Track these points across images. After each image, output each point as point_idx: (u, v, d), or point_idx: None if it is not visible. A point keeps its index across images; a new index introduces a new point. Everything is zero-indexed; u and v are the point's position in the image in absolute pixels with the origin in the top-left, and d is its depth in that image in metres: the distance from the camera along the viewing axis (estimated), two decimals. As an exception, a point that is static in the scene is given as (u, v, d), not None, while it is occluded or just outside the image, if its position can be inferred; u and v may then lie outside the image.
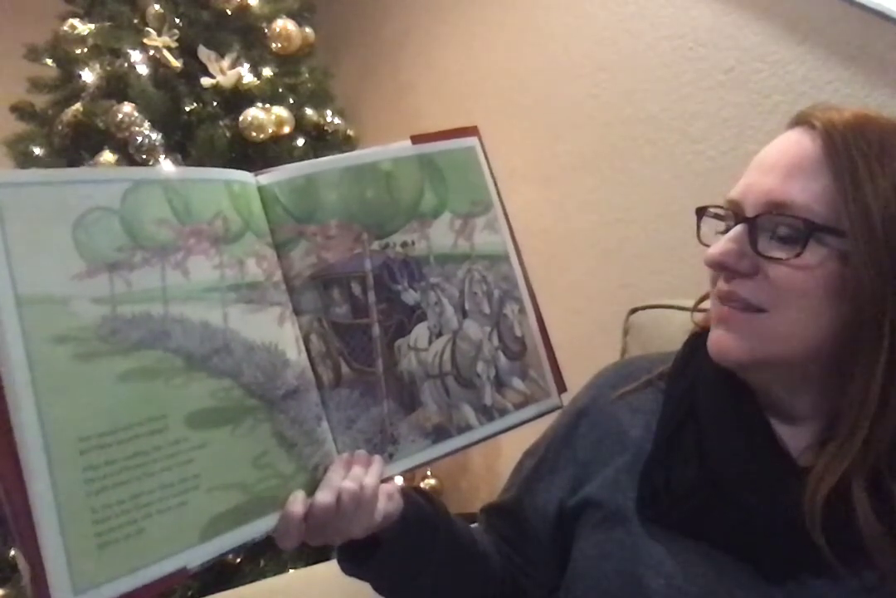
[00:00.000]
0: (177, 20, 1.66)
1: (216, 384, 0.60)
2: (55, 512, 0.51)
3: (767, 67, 1.39)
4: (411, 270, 0.72)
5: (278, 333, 0.64)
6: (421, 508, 0.71)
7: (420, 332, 0.72)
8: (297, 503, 0.61)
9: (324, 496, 0.62)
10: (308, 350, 0.66)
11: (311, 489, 0.63)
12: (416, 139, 0.74)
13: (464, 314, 0.75)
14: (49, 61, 1.75)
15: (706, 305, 0.74)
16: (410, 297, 0.72)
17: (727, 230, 0.66)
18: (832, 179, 0.61)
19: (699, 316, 0.77)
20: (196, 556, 0.57)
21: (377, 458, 0.66)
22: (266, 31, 1.75)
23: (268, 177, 0.67)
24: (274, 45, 1.73)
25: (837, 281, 0.61)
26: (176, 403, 0.58)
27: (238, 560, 1.49)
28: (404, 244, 0.73)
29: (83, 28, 1.67)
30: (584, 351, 1.41)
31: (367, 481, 0.64)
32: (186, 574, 0.57)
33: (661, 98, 1.56)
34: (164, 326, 0.59)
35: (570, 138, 1.75)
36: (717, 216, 0.69)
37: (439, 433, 0.71)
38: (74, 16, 1.74)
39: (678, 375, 0.75)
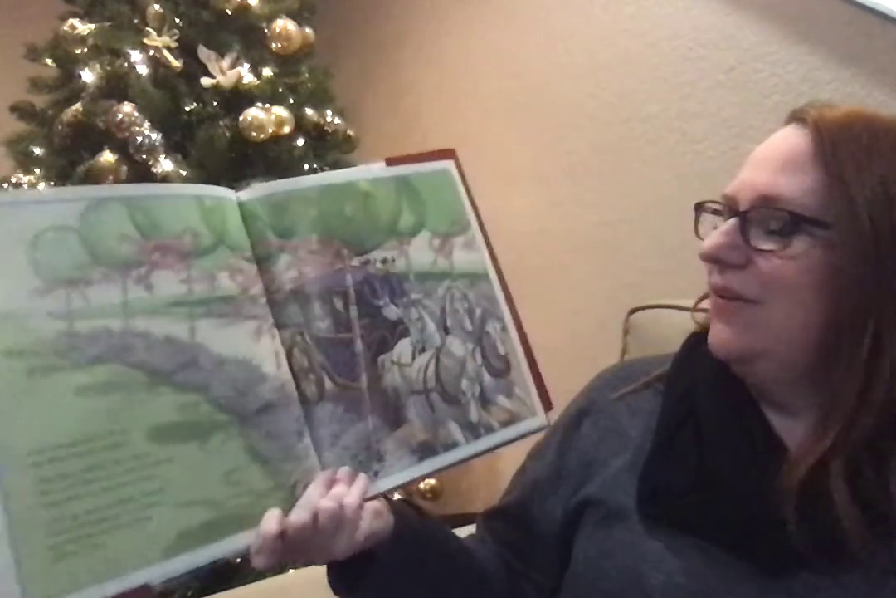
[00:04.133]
0: (177, 20, 1.68)
1: (182, 399, 0.61)
2: (6, 523, 0.52)
3: (767, 67, 1.40)
4: (392, 286, 0.73)
5: (253, 347, 0.65)
6: (413, 525, 0.73)
7: (403, 347, 0.73)
8: (272, 520, 0.61)
9: (298, 515, 0.62)
10: (291, 365, 0.67)
11: (290, 507, 0.63)
12: (391, 161, 0.78)
13: (446, 331, 0.75)
14: (49, 61, 1.76)
15: (706, 304, 0.78)
16: (392, 312, 0.73)
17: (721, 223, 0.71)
18: (821, 173, 0.65)
19: (700, 316, 0.81)
20: (160, 573, 0.58)
21: (361, 476, 0.66)
22: (266, 31, 1.77)
23: (248, 193, 0.70)
24: (274, 45, 1.75)
25: (825, 272, 0.64)
26: (137, 417, 0.59)
27: (238, 560, 1.49)
28: (384, 261, 0.74)
29: (83, 28, 1.68)
30: (584, 351, 1.41)
31: (349, 500, 0.64)
32: (150, 591, 0.58)
33: (661, 98, 1.57)
34: (125, 340, 0.60)
35: (570, 138, 1.75)
36: (714, 212, 0.74)
37: (425, 450, 0.71)
38: (74, 16, 1.76)
39: (677, 375, 0.78)
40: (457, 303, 0.76)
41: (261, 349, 0.66)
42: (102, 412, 0.58)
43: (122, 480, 0.58)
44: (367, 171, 0.76)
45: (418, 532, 0.73)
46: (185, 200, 0.66)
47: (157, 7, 1.74)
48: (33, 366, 0.56)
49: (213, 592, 1.18)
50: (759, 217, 0.67)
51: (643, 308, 1.14)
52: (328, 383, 0.68)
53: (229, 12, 1.82)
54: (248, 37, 1.84)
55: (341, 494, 0.64)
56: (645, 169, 1.65)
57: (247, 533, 0.61)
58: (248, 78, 1.77)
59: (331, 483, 0.65)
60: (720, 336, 0.70)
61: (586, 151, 1.76)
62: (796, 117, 0.70)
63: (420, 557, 0.72)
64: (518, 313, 0.80)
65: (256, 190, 0.69)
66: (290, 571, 1.29)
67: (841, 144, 0.65)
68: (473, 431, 0.74)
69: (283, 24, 1.84)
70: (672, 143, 1.59)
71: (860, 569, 0.64)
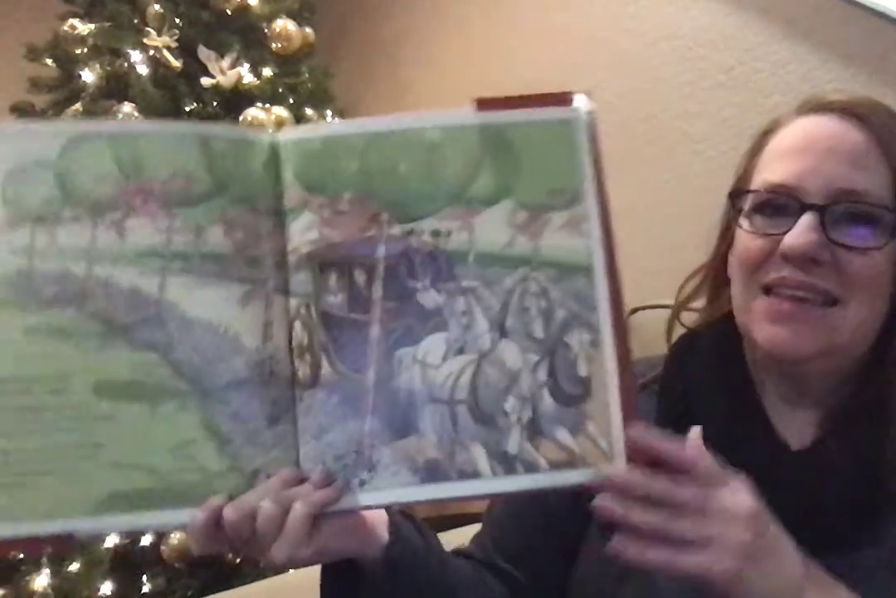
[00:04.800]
0: (177, 20, 1.69)
1: (138, 357, 0.58)
2: None
3: (767, 67, 1.40)
4: (439, 266, 0.61)
5: (235, 313, 0.59)
6: (409, 543, 0.67)
7: (433, 344, 0.61)
8: (210, 506, 0.57)
9: (229, 512, 0.57)
10: (290, 340, 0.60)
11: (241, 494, 0.58)
12: (484, 104, 0.62)
13: (501, 333, 0.61)
14: (49, 61, 1.77)
15: (697, 304, 0.79)
16: (430, 299, 0.61)
17: (774, 216, 0.68)
18: (887, 169, 0.66)
19: (690, 316, 0.81)
20: (86, 526, 0.58)
21: (337, 483, 0.59)
22: (266, 31, 1.77)
23: (286, 134, 0.62)
24: (274, 45, 1.75)
25: None
26: (85, 367, 0.57)
27: (238, 560, 1.49)
28: (436, 233, 0.61)
29: (83, 28, 1.69)
30: (585, 351, 1.41)
31: (300, 507, 0.56)
32: (74, 542, 0.58)
33: (661, 98, 1.56)
34: (86, 286, 0.58)
35: (570, 138, 1.73)
36: (756, 203, 0.70)
37: (432, 472, 0.60)
38: (74, 16, 1.77)
39: (672, 376, 0.78)
40: (529, 299, 0.62)
41: (244, 318, 0.59)
42: (49, 356, 0.57)
43: (58, 426, 0.57)
44: (443, 116, 0.63)
45: (418, 558, 0.67)
46: (185, 139, 0.60)
47: (157, 7, 1.75)
48: None
49: (214, 592, 1.18)
50: (839, 211, 0.65)
51: (643, 308, 1.14)
52: (325, 368, 0.60)
53: (229, 12, 1.82)
54: (248, 37, 1.85)
55: (294, 497, 0.57)
56: (645, 169, 1.64)
57: (189, 510, 0.58)
58: (248, 78, 1.78)
59: (296, 481, 0.58)
60: (786, 340, 0.67)
61: (586, 151, 1.75)
62: (836, 108, 0.69)
63: (416, 587, 0.67)
64: (626, 328, 0.63)
65: (296, 131, 0.63)
66: (290, 571, 1.29)
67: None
68: (506, 464, 0.60)
69: (283, 24, 1.84)
70: (672, 143, 1.59)
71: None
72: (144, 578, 1.58)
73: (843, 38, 1.34)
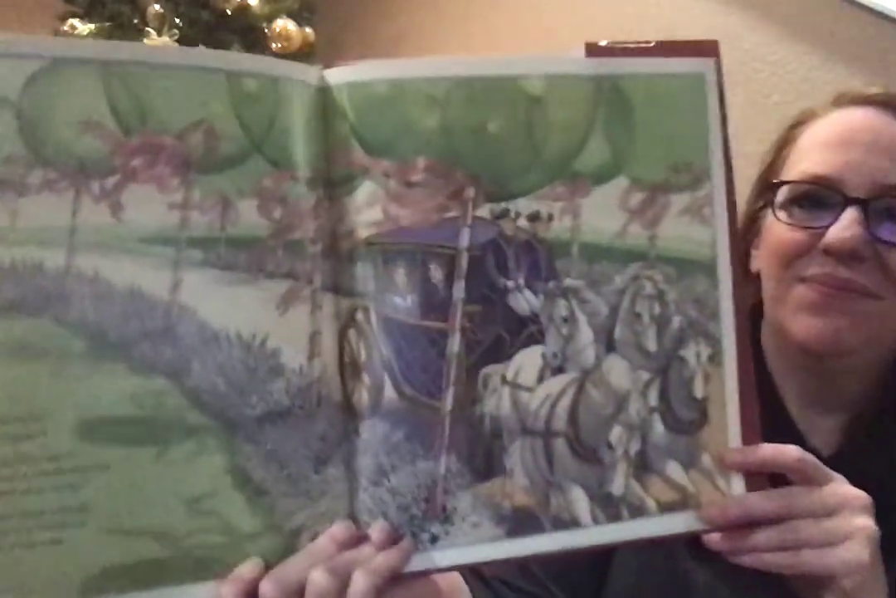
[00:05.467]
0: (177, 20, 1.70)
1: (140, 384, 0.43)
2: None
3: (767, 67, 1.40)
4: (536, 260, 0.49)
5: (272, 321, 0.45)
6: None
7: (528, 360, 0.49)
8: (239, 578, 0.45)
9: (266, 587, 0.45)
10: (341, 354, 0.47)
11: (280, 561, 0.46)
12: (594, 50, 0.49)
13: (609, 346, 0.51)
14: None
15: None
16: (525, 302, 0.49)
17: (813, 208, 0.67)
18: None
19: None
20: None
21: (404, 543, 0.48)
22: (266, 31, 1.77)
23: (338, 73, 0.47)
24: (274, 45, 1.76)
25: None
26: (65, 401, 0.42)
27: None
28: (535, 217, 0.49)
29: (83, 28, 1.70)
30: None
31: (361, 578, 0.45)
32: None
33: (661, 98, 1.55)
34: (62, 285, 0.42)
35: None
36: (802, 194, 0.68)
37: (523, 522, 0.49)
38: (74, 16, 1.78)
39: None
40: (642, 304, 0.51)
41: (284, 327, 0.45)
42: (13, 385, 0.41)
43: (28, 485, 0.42)
44: (546, 61, 0.49)
45: None
46: (207, 75, 0.44)
47: (157, 7, 1.76)
48: None
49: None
50: (883, 205, 0.64)
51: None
52: (389, 392, 0.47)
53: (229, 12, 1.84)
54: (248, 37, 1.86)
55: (352, 563, 0.46)
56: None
57: (209, 585, 0.45)
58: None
59: (352, 542, 0.47)
60: (824, 331, 0.65)
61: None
62: (878, 101, 0.69)
63: None
64: (748, 339, 0.53)
65: (352, 70, 0.47)
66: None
67: None
68: (610, 508, 0.50)
69: (283, 24, 1.86)
70: (672, 143, 1.59)
71: None
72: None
73: (843, 38, 1.35)
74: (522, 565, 0.71)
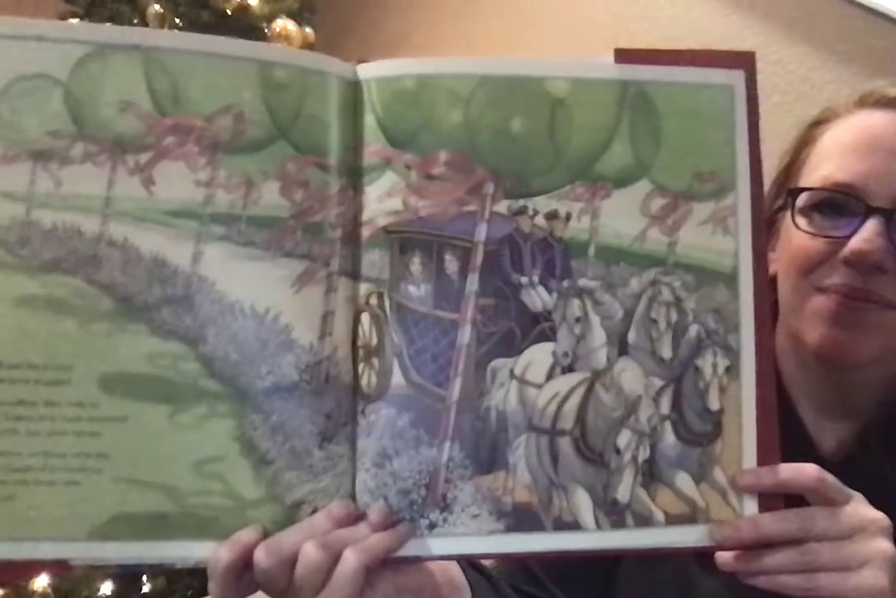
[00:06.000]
0: (177, 20, 1.69)
1: (159, 346, 0.46)
2: None
3: (767, 67, 1.40)
4: (552, 258, 0.49)
5: (287, 298, 0.47)
6: None
7: (537, 357, 0.49)
8: (238, 543, 0.47)
9: (261, 555, 0.46)
10: (354, 337, 0.48)
11: (278, 530, 0.48)
12: (625, 55, 0.51)
13: (621, 349, 0.50)
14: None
15: None
16: (538, 299, 0.49)
17: (834, 216, 0.65)
18: None
19: None
20: (81, 553, 0.46)
21: (401, 527, 0.48)
22: (266, 31, 1.77)
23: (369, 68, 0.49)
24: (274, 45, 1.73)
25: None
26: (91, 354, 0.46)
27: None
28: (553, 215, 0.49)
29: (83, 28, 1.68)
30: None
31: (352, 556, 0.46)
32: (68, 569, 0.47)
33: (662, 98, 1.55)
34: (96, 249, 0.46)
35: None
36: (823, 201, 0.66)
37: (523, 519, 0.49)
38: (74, 16, 1.77)
39: None
40: (659, 310, 0.51)
41: (299, 305, 0.47)
42: (46, 336, 0.45)
43: (55, 427, 0.46)
44: (576, 64, 0.51)
45: None
46: (239, 64, 0.47)
47: (157, 7, 1.77)
48: None
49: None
50: None
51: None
52: (397, 377, 0.48)
53: (229, 12, 1.84)
54: (248, 37, 1.84)
55: (345, 541, 0.46)
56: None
57: (210, 544, 0.47)
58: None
59: (349, 520, 0.48)
60: (843, 342, 0.64)
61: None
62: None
63: None
64: (771, 354, 0.53)
65: (382, 66, 0.49)
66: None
67: None
68: (614, 515, 0.50)
69: (283, 24, 1.86)
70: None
71: None
72: (144, 578, 1.59)
73: (843, 38, 1.35)
74: (528, 570, 0.71)
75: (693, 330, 0.50)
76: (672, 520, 0.50)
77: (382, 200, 0.47)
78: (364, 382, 0.48)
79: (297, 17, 1.97)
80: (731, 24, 1.50)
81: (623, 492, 0.49)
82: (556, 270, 0.49)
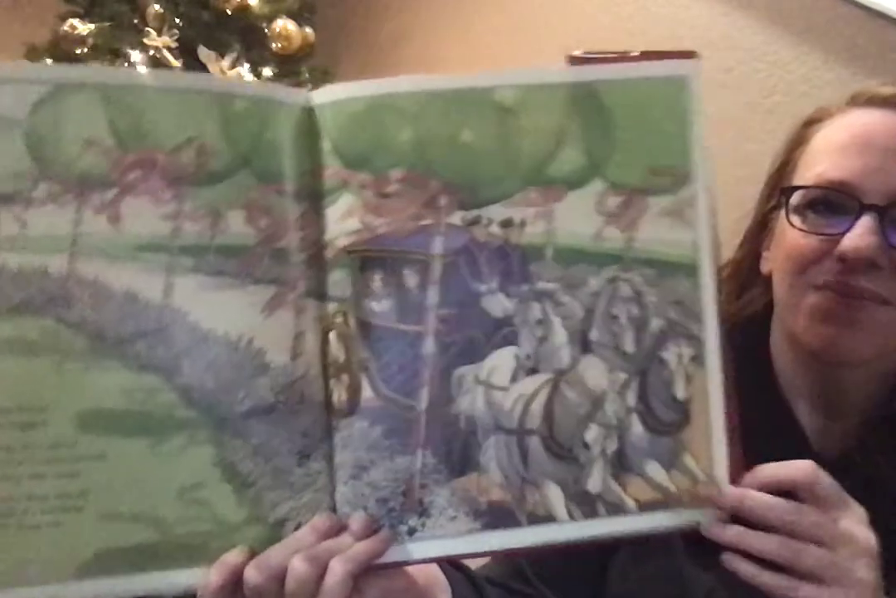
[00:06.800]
0: (177, 20, 1.70)
1: (135, 380, 0.47)
2: None
3: (767, 67, 1.40)
4: (510, 264, 0.50)
5: (258, 323, 0.48)
6: None
7: (501, 361, 0.51)
8: (226, 565, 0.48)
9: (251, 573, 0.48)
10: (324, 355, 0.50)
11: (265, 549, 0.49)
12: (576, 60, 0.51)
13: (585, 347, 0.52)
14: (49, 61, 1.75)
15: None
16: (498, 305, 0.50)
17: (829, 214, 0.66)
18: None
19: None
20: (72, 593, 0.47)
21: (382, 534, 0.50)
22: (266, 31, 1.78)
23: (323, 94, 0.50)
24: (274, 45, 1.77)
25: None
26: (66, 393, 0.46)
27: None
28: (507, 223, 0.50)
29: (83, 28, 1.71)
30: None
31: (339, 566, 0.47)
32: None
33: (661, 98, 1.55)
34: (66, 288, 0.46)
35: (570, 138, 1.73)
36: (817, 199, 0.67)
37: (498, 516, 0.51)
38: (74, 16, 1.79)
39: None
40: (619, 306, 0.52)
41: (270, 328, 0.48)
42: (19, 379, 0.46)
43: (33, 470, 0.46)
44: (523, 72, 0.51)
45: None
46: (198, 96, 0.48)
47: (157, 7, 1.77)
48: None
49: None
50: None
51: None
52: (367, 392, 0.49)
53: (229, 12, 1.84)
54: (248, 37, 1.86)
55: (331, 552, 0.48)
56: (645, 169, 1.64)
57: (200, 570, 0.48)
58: (248, 78, 1.78)
59: (332, 532, 0.49)
60: (838, 340, 0.65)
61: (586, 151, 1.75)
62: (894, 102, 0.68)
63: None
64: (727, 341, 0.54)
65: (334, 90, 0.50)
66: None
67: None
68: (586, 505, 0.51)
69: (283, 24, 1.86)
70: (672, 143, 1.59)
71: None
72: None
73: (843, 38, 1.35)
74: (517, 568, 0.72)
75: (655, 323, 0.51)
76: (644, 507, 0.51)
77: (342, 221, 0.49)
78: (336, 398, 0.49)
79: (297, 17, 1.98)
80: (731, 24, 1.50)
81: (594, 483, 0.51)
82: (515, 276, 0.50)
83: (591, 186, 0.50)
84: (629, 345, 0.51)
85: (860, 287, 0.64)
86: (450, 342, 0.50)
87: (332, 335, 0.49)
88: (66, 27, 1.85)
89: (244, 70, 1.85)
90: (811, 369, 0.70)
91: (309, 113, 0.49)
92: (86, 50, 1.83)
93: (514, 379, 0.50)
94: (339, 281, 0.49)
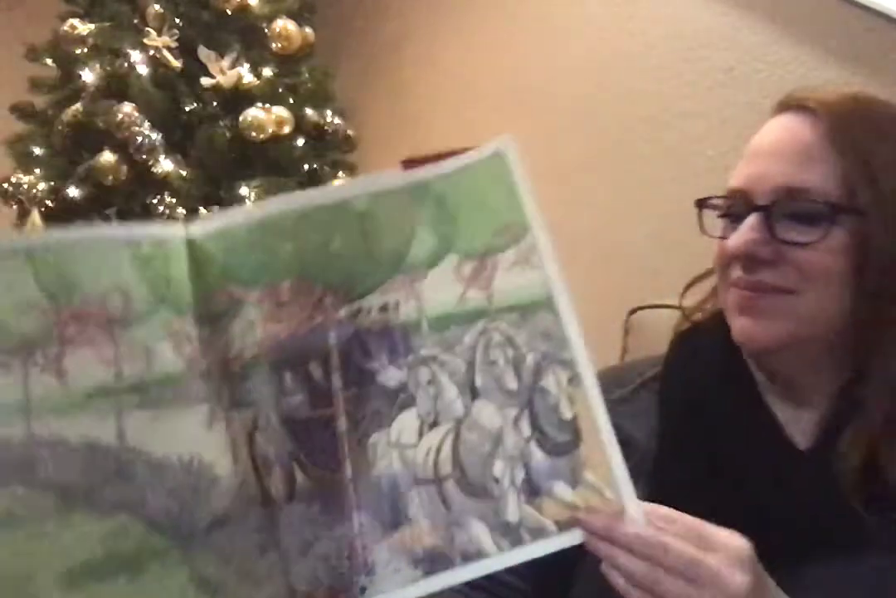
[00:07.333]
0: (177, 20, 1.70)
1: (107, 525, 0.48)
2: None
3: (767, 67, 1.41)
4: (394, 341, 0.57)
5: (204, 440, 0.52)
6: None
7: (406, 423, 0.56)
8: None
9: None
10: (252, 456, 0.54)
11: None
12: (410, 164, 0.64)
13: (473, 395, 0.57)
14: (49, 61, 1.77)
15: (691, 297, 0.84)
16: (391, 377, 0.57)
17: (734, 220, 0.73)
18: (840, 161, 0.69)
19: (691, 309, 0.85)
20: None
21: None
22: (266, 31, 1.79)
23: (200, 227, 0.56)
24: (274, 45, 1.77)
25: (860, 258, 0.68)
26: (46, 558, 0.46)
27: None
28: (384, 308, 0.57)
29: (83, 28, 1.71)
30: (585, 351, 1.40)
31: None
32: None
33: (661, 98, 1.56)
34: (28, 453, 0.46)
35: (571, 138, 1.75)
36: (719, 208, 0.76)
37: (435, 561, 0.55)
38: (74, 16, 1.79)
39: (674, 374, 0.81)
40: (494, 351, 0.57)
41: (212, 443, 0.52)
42: (2, 556, 0.46)
43: None
44: (370, 181, 0.59)
45: None
46: (111, 246, 0.52)
47: (157, 7, 1.77)
48: None
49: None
50: (785, 210, 0.70)
51: (643, 308, 1.14)
52: (300, 477, 0.54)
53: (229, 12, 1.84)
54: (248, 37, 1.86)
55: None
56: (645, 169, 1.65)
57: None
58: (248, 78, 1.80)
59: None
60: (751, 330, 0.72)
61: (586, 150, 1.76)
62: (795, 106, 0.74)
63: None
64: (587, 351, 0.59)
65: (213, 222, 0.56)
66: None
67: (852, 129, 0.70)
68: (511, 535, 0.55)
69: (283, 24, 1.86)
70: (672, 143, 1.59)
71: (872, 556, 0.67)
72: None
73: (843, 38, 1.35)
74: None
75: (530, 358, 0.57)
76: (563, 526, 0.55)
77: (245, 334, 0.54)
78: (274, 491, 0.54)
79: (297, 17, 1.97)
80: (731, 24, 1.50)
81: (512, 513, 0.55)
82: (400, 350, 0.57)
83: (446, 261, 0.58)
84: (511, 383, 0.57)
85: (756, 280, 0.70)
86: (360, 417, 0.55)
87: (257, 435, 0.54)
88: (66, 27, 1.85)
89: (244, 70, 1.85)
90: (753, 361, 0.76)
91: (190, 245, 0.54)
92: (86, 50, 1.83)
93: (420, 435, 0.56)
94: (255, 388, 0.54)
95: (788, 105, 0.74)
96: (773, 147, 0.72)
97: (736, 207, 0.73)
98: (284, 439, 0.54)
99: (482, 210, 0.58)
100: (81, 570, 0.46)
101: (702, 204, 0.76)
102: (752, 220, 0.70)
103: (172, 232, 0.54)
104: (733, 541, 0.55)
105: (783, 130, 0.73)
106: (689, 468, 0.73)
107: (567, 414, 0.56)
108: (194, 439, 0.51)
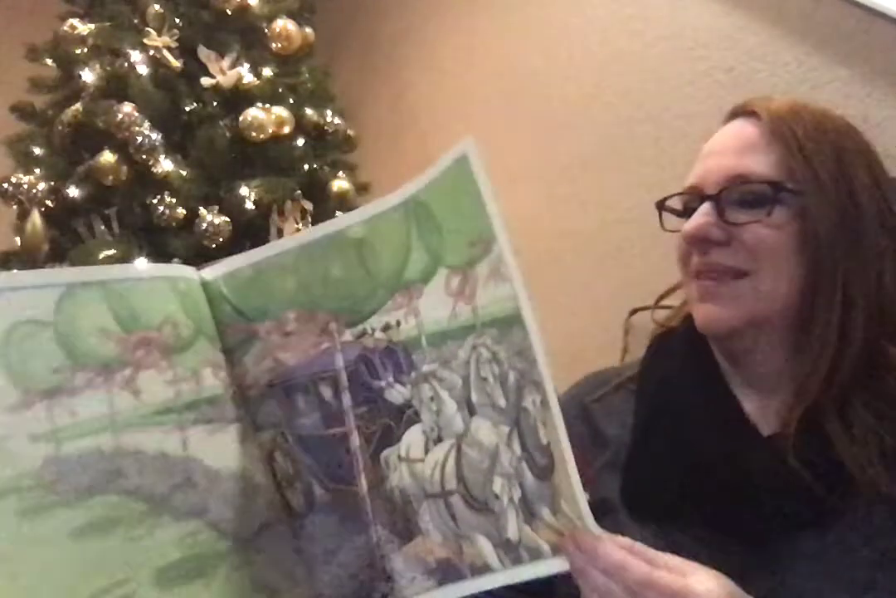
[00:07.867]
0: (177, 20, 1.71)
1: (182, 529, 0.52)
2: None
3: (767, 67, 1.40)
4: (397, 359, 0.59)
5: (243, 454, 0.57)
6: None
7: (413, 438, 0.59)
8: None
9: None
10: (273, 472, 0.59)
11: None
12: None
13: (470, 411, 0.58)
14: (49, 61, 1.78)
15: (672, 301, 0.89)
16: (397, 394, 0.59)
17: (690, 213, 0.78)
18: (778, 149, 0.75)
19: (660, 314, 0.90)
20: None
21: None
22: (266, 31, 1.79)
23: (211, 271, 0.61)
24: (274, 45, 1.78)
25: (800, 236, 0.74)
26: (141, 558, 0.50)
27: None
28: (386, 327, 0.60)
29: (83, 28, 1.71)
30: (585, 352, 1.41)
31: None
32: None
33: (661, 98, 1.57)
34: (116, 462, 0.51)
35: (570, 138, 1.75)
36: (676, 211, 0.81)
37: (447, 572, 0.57)
38: (74, 16, 1.79)
39: (647, 373, 0.85)
40: (484, 368, 0.58)
41: (250, 457, 0.57)
42: (103, 558, 0.49)
43: None
44: (367, 207, 0.62)
45: None
46: (160, 282, 0.57)
47: (157, 7, 1.77)
48: (21, 506, 0.47)
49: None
50: (733, 195, 0.75)
51: (643, 308, 1.14)
52: (318, 491, 0.58)
53: (229, 12, 1.84)
54: (248, 37, 1.86)
55: None
56: (645, 169, 1.65)
57: None
58: (248, 78, 1.80)
59: None
60: (712, 315, 0.76)
61: (586, 150, 1.76)
62: (742, 112, 0.81)
63: None
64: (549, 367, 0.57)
65: (220, 266, 0.61)
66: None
67: (793, 124, 0.76)
68: (512, 553, 0.56)
69: (283, 24, 1.86)
70: (672, 143, 1.59)
71: (841, 531, 0.68)
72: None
73: (843, 38, 1.35)
74: None
75: (511, 376, 0.56)
76: (555, 550, 0.55)
77: (258, 364, 0.59)
78: (294, 503, 0.57)
79: (297, 17, 1.98)
80: (731, 24, 1.50)
81: (512, 531, 0.56)
82: (403, 367, 0.59)
83: (437, 275, 0.59)
84: (501, 400, 0.57)
85: (712, 263, 0.75)
86: (371, 433, 0.58)
87: (277, 454, 0.58)
88: (66, 27, 1.85)
89: (244, 70, 1.86)
90: (718, 348, 0.80)
91: (206, 286, 0.59)
92: (86, 50, 1.83)
93: (426, 450, 0.58)
94: (271, 411, 0.58)
95: (736, 112, 0.82)
96: (721, 146, 0.79)
97: (691, 201, 0.79)
98: (301, 455, 0.58)
99: (459, 218, 0.58)
100: (169, 571, 0.50)
101: (661, 205, 0.83)
102: (703, 207, 0.76)
103: (190, 274, 0.59)
104: (700, 571, 0.54)
105: (730, 132, 0.80)
106: (657, 456, 0.76)
107: (544, 439, 0.55)
108: (237, 452, 0.56)
